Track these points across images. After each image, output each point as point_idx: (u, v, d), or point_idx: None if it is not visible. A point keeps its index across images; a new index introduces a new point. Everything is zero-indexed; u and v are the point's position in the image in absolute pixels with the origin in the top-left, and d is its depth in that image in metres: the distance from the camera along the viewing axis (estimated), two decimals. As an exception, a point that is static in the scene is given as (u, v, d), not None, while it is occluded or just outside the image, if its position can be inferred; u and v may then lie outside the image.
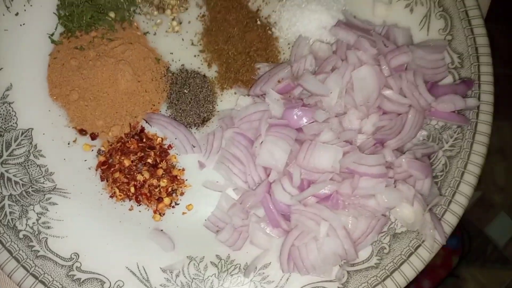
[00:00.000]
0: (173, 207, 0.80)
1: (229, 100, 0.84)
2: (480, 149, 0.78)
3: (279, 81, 0.80)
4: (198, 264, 0.75)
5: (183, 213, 0.79)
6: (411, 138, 0.77)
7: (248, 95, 0.83)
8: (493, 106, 0.79)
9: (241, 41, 0.85)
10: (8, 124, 0.78)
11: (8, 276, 0.70)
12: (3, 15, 0.81)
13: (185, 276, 0.73)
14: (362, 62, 0.77)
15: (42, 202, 0.75)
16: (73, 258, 0.72)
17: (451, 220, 0.76)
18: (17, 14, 0.82)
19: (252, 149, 0.77)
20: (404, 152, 0.76)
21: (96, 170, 0.80)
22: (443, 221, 0.75)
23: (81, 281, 0.71)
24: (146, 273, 0.73)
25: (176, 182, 0.80)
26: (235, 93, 0.85)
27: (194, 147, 0.80)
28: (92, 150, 0.81)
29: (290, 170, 0.74)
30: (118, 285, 0.72)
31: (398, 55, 0.76)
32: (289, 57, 0.85)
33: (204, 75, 0.85)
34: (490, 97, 0.79)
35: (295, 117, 0.76)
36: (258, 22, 0.87)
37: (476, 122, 0.79)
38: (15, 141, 0.77)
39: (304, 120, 0.76)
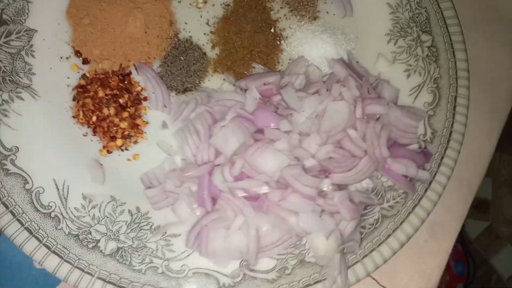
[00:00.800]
0: (122, 150, 0.83)
1: (215, 82, 0.89)
2: (414, 221, 0.80)
3: (264, 84, 0.85)
4: (116, 207, 0.77)
5: (128, 159, 0.83)
6: (356, 182, 0.79)
7: (234, 85, 0.88)
8: (438, 196, 0.81)
9: (250, 38, 0.90)
10: (18, 17, 0.84)
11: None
12: None
13: (99, 211, 0.76)
14: (342, 97, 0.82)
15: (12, 92, 0.80)
16: (12, 151, 0.76)
17: (360, 273, 0.76)
18: None
19: (212, 129, 0.81)
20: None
21: (73, 90, 0.85)
22: (351, 270, 0.76)
23: (8, 172, 0.75)
24: (67, 192, 0.76)
25: (135, 130, 0.84)
26: (223, 79, 0.89)
27: (165, 107, 0.84)
28: (78, 72, 0.87)
29: (235, 159, 0.77)
30: (38, 190, 0.75)
31: (375, 104, 0.80)
32: (285, 69, 0.90)
33: (204, 53, 0.90)
34: (440, 187, 0.81)
35: (263, 118, 0.80)
36: (272, 30, 0.93)
37: (421, 196, 0.81)
38: (16, 34, 0.83)
39: (269, 123, 0.80)
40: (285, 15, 0.95)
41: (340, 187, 0.79)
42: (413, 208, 0.80)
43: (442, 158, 0.83)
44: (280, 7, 0.95)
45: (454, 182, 0.84)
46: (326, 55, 0.91)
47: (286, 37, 0.93)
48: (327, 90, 0.84)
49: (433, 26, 0.91)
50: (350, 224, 0.76)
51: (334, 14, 0.96)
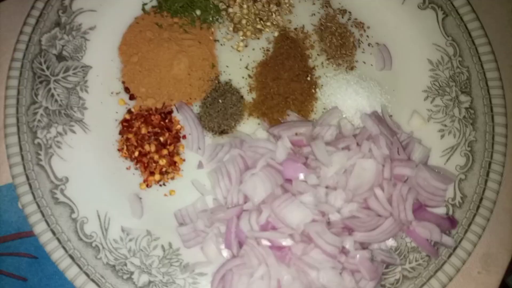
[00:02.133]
0: (160, 185, 0.90)
1: (250, 126, 0.93)
2: (435, 286, 0.81)
3: (296, 134, 0.88)
4: (151, 241, 0.83)
5: (165, 194, 0.89)
6: (379, 241, 0.81)
7: (267, 131, 0.91)
8: (462, 263, 0.82)
9: (286, 85, 0.94)
10: (76, 54, 0.92)
11: (9, 164, 0.82)
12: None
13: (135, 244, 0.83)
14: (371, 155, 0.84)
15: (65, 125, 0.87)
16: (62, 181, 0.84)
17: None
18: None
19: (243, 175, 0.85)
20: (366, 248, 0.81)
21: (119, 123, 0.92)
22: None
23: (57, 201, 0.82)
24: (108, 223, 0.83)
25: (173, 167, 0.90)
26: (258, 124, 0.93)
27: (199, 149, 0.90)
28: (125, 107, 0.93)
29: (263, 208, 0.81)
30: (83, 220, 0.82)
31: (403, 166, 0.82)
32: (318, 118, 0.93)
33: (241, 96, 0.95)
34: (465, 254, 0.82)
35: (292, 169, 0.83)
36: (308, 78, 0.95)
37: (444, 261, 0.82)
38: (73, 70, 0.91)
39: (297, 175, 0.83)
40: (322, 63, 0.97)
41: (363, 245, 0.81)
42: (435, 272, 0.81)
43: (470, 224, 0.83)
44: (318, 54, 0.98)
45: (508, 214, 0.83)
46: (360, 107, 0.93)
47: (322, 85, 0.96)
48: (357, 145, 0.86)
49: (474, 87, 0.91)
50: (369, 284, 0.78)
51: (371, 65, 0.97)
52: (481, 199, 0.84)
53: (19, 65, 0.87)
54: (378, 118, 0.90)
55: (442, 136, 0.90)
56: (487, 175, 0.85)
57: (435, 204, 0.84)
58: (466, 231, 0.82)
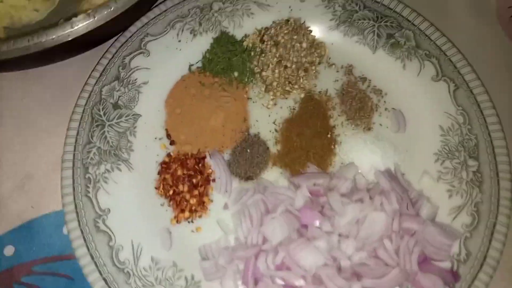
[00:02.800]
0: (188, 222, 1.00)
1: (273, 174, 1.03)
2: (439, 338, 0.84)
3: (314, 184, 0.98)
4: (176, 272, 0.92)
5: (191, 230, 0.99)
6: (385, 289, 0.87)
7: (288, 180, 1.01)
8: None
9: (308, 141, 1.05)
10: (129, 103, 1.07)
11: (61, 194, 0.95)
12: (172, 38, 1.13)
13: (162, 273, 0.92)
14: (382, 208, 0.91)
15: (113, 163, 1.01)
16: (105, 211, 0.96)
17: None
18: (179, 41, 1.14)
19: (264, 218, 0.94)
20: (373, 296, 0.86)
21: (159, 165, 1.05)
22: None
23: (99, 229, 0.94)
24: (140, 252, 0.93)
25: (201, 206, 1.00)
26: (280, 173, 1.04)
27: (226, 192, 1.00)
28: (165, 151, 1.07)
29: (279, 249, 0.89)
30: (118, 248, 0.93)
31: (411, 221, 0.89)
32: (335, 171, 1.02)
33: (267, 148, 1.06)
34: None
35: (308, 215, 0.92)
36: (329, 135, 1.06)
37: (448, 315, 0.86)
38: (125, 117, 1.06)
39: (313, 222, 0.91)
40: (342, 122, 1.09)
41: (370, 292, 0.87)
42: (438, 324, 0.85)
43: (473, 280, 0.87)
44: (338, 115, 1.09)
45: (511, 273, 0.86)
46: (375, 164, 1.02)
47: (340, 142, 1.06)
48: (370, 198, 0.94)
49: (481, 153, 0.98)
50: (374, 329, 0.83)
51: (387, 127, 1.07)
52: (485, 257, 0.89)
53: (81, 110, 1.03)
54: (391, 175, 0.99)
55: (450, 196, 0.96)
56: (492, 235, 0.90)
57: (440, 258, 0.89)
58: (469, 286, 0.86)
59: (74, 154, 1.00)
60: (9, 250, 0.99)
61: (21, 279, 0.97)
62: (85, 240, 0.92)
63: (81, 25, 0.92)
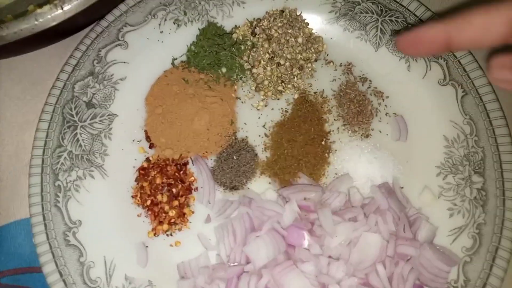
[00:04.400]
0: (167, 235, 0.92)
1: (261, 184, 0.95)
2: None
3: (305, 198, 0.90)
4: (152, 291, 0.86)
5: (170, 245, 0.91)
6: (376, 318, 0.81)
7: (277, 192, 0.93)
8: None
9: (300, 148, 0.96)
10: (104, 102, 0.97)
11: (29, 203, 0.87)
12: (154, 28, 1.02)
13: (136, 293, 0.85)
14: (377, 229, 0.84)
15: (86, 170, 0.92)
16: (76, 223, 0.88)
17: None
18: (162, 32, 1.02)
19: (249, 236, 0.87)
20: (363, 325, 0.80)
21: (136, 170, 0.96)
22: None
23: (68, 243, 0.86)
24: (113, 270, 0.86)
25: (181, 218, 0.93)
26: (269, 183, 0.96)
27: (209, 203, 0.92)
28: (144, 155, 0.98)
29: (263, 272, 0.82)
30: (90, 265, 0.86)
31: (408, 245, 0.81)
32: (328, 184, 0.94)
33: (256, 154, 0.97)
34: None
35: (295, 236, 0.85)
36: (323, 142, 0.97)
37: None
38: (100, 117, 0.96)
39: (301, 243, 0.84)
40: (338, 128, 0.99)
41: (359, 320, 0.80)
42: None
43: (475, 312, 0.81)
44: (335, 119, 1.00)
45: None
46: (371, 176, 0.94)
47: (335, 150, 0.97)
48: (364, 216, 0.86)
49: (488, 169, 0.90)
50: None
51: (387, 135, 0.98)
52: (484, 285, 0.82)
53: (51, 109, 0.94)
54: (388, 190, 0.91)
55: (451, 215, 0.89)
56: (493, 260, 0.83)
57: (436, 285, 0.82)
58: (467, 321, 0.80)
59: (42, 159, 0.91)
60: (-26, 260, 0.92)
61: (-13, 292, 0.91)
62: (53, 255, 0.85)
63: (47, 17, 0.81)
